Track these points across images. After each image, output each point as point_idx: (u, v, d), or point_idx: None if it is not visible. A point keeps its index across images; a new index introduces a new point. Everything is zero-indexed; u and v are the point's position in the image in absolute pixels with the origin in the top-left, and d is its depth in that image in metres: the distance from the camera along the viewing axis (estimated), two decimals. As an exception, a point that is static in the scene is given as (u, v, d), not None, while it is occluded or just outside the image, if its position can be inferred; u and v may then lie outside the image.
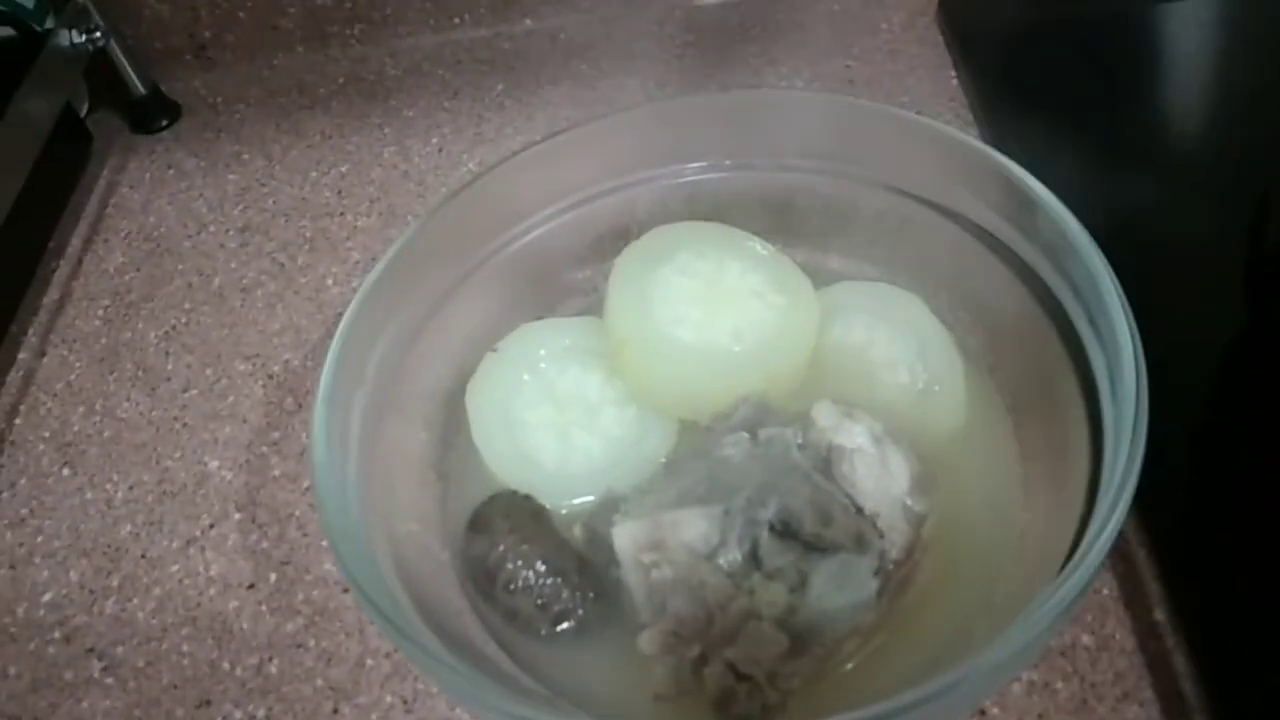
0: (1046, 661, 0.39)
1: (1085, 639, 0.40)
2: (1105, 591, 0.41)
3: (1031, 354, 0.41)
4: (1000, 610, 0.36)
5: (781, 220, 0.48)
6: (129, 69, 0.69)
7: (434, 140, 0.66)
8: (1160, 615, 0.40)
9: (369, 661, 0.44)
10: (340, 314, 0.56)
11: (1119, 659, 0.39)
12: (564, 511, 0.42)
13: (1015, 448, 0.42)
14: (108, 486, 0.52)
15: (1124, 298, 0.35)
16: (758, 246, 0.45)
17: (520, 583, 0.38)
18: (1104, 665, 0.39)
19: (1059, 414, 0.39)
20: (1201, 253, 0.50)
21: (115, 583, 0.48)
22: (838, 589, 0.35)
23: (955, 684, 0.29)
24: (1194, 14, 0.64)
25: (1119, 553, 0.41)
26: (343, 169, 0.66)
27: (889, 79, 0.65)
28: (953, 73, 0.64)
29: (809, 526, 0.35)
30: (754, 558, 0.35)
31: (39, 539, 0.50)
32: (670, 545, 0.35)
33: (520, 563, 0.38)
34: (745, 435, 0.39)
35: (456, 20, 0.72)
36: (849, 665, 0.36)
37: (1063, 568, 0.32)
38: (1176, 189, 0.54)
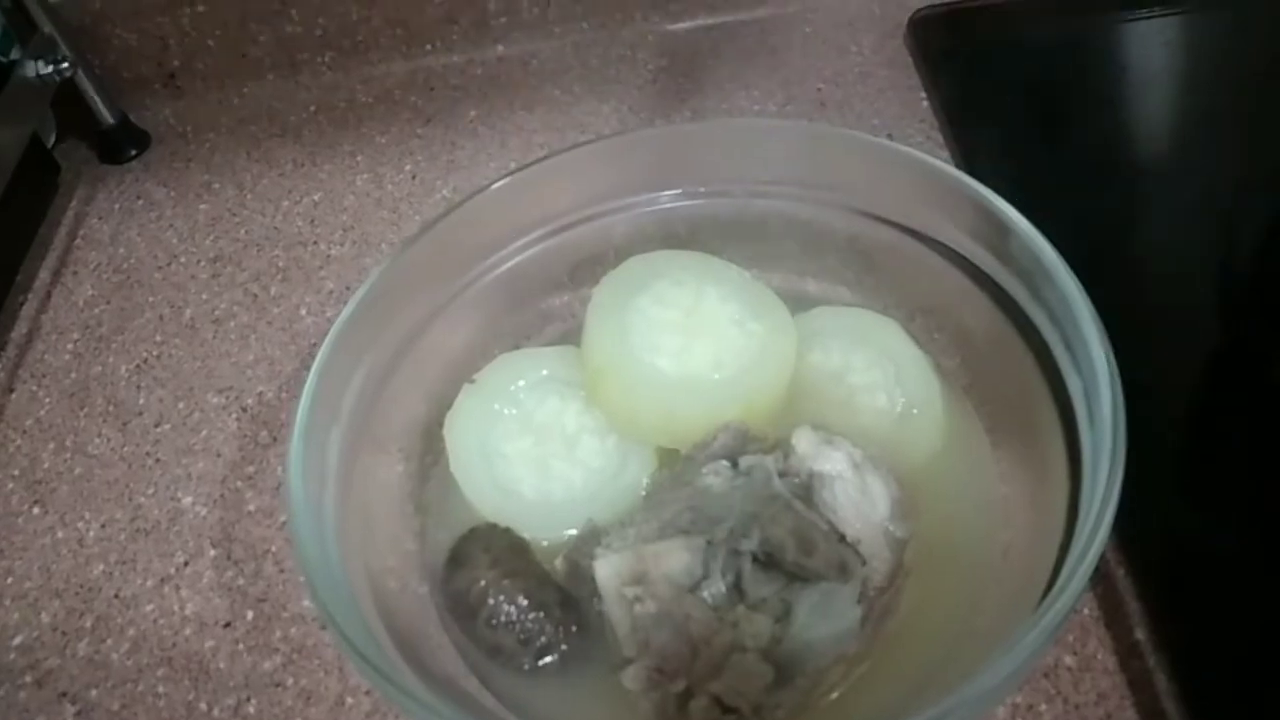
0: (1030, 684, 0.39)
1: (1067, 659, 0.40)
2: (1086, 611, 0.41)
3: (1008, 377, 0.41)
4: (984, 635, 0.36)
5: (757, 247, 0.48)
6: (97, 99, 0.68)
7: (407, 167, 0.66)
8: (1140, 634, 0.40)
9: (349, 700, 0.43)
10: (314, 344, 0.57)
11: (1101, 679, 0.39)
12: (545, 544, 0.42)
13: (994, 470, 0.42)
14: (79, 525, 0.51)
15: (1099, 323, 0.35)
16: (734, 274, 0.46)
17: (502, 617, 0.38)
18: (1086, 686, 0.39)
19: (1037, 437, 0.39)
20: (1173, 269, 0.50)
21: (88, 624, 0.47)
22: (822, 618, 0.35)
23: (942, 715, 0.29)
24: (1159, 34, 0.65)
25: (1098, 572, 0.41)
26: (315, 197, 0.65)
27: (860, 101, 0.65)
28: (922, 94, 0.65)
29: (791, 556, 0.35)
30: (737, 589, 0.34)
31: (9, 580, 0.49)
32: (653, 578, 0.34)
33: (502, 597, 0.38)
34: (726, 464, 0.39)
35: (428, 47, 0.72)
36: (834, 695, 0.36)
37: (1046, 590, 0.33)
38: (1145, 206, 0.55)
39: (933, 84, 0.65)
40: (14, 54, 0.65)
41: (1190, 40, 0.64)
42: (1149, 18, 0.65)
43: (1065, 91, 0.62)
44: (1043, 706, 0.39)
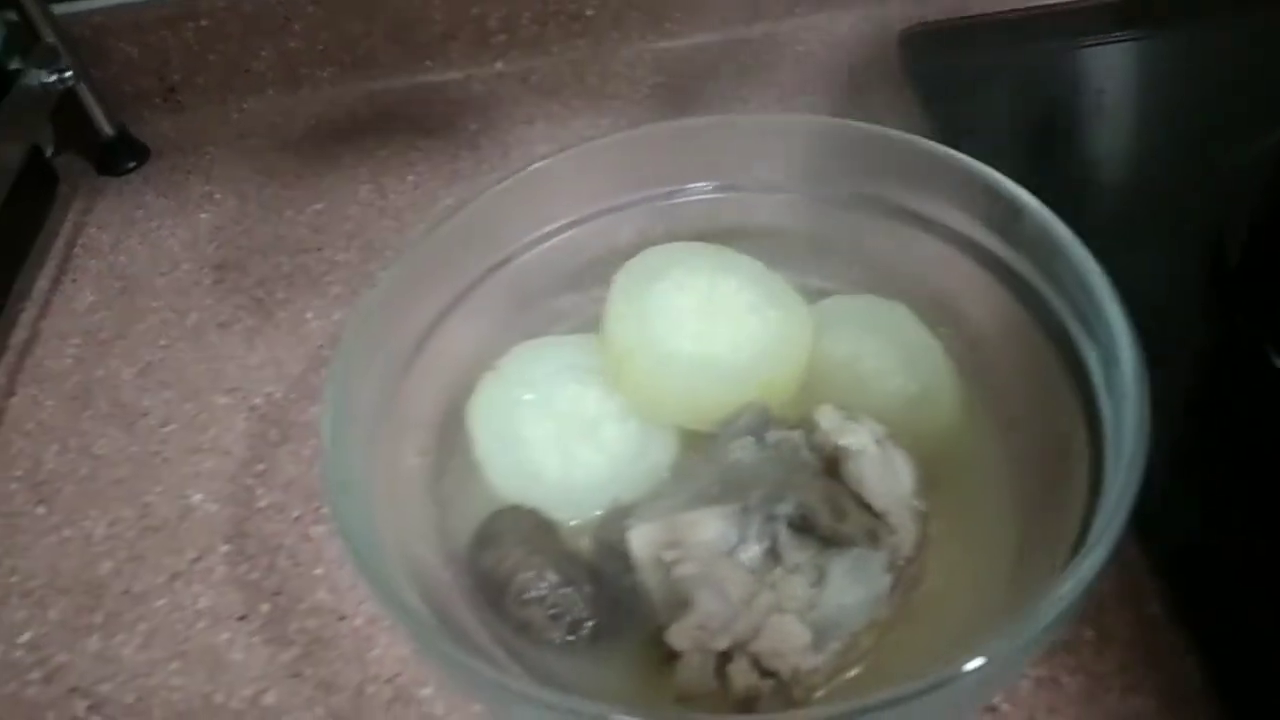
0: (1051, 657, 0.40)
1: (1088, 633, 0.41)
2: (1103, 587, 0.42)
3: (1021, 356, 0.42)
4: (1008, 606, 0.37)
5: (765, 240, 0.49)
6: (97, 110, 0.68)
7: (410, 178, 0.67)
8: (1157, 609, 0.41)
9: (369, 689, 0.43)
10: (322, 347, 0.57)
11: (1122, 651, 0.40)
12: (570, 525, 0.42)
13: (1008, 449, 0.43)
14: (85, 523, 0.50)
15: (1114, 291, 0.36)
16: (747, 263, 0.46)
17: (532, 593, 0.38)
18: (1108, 658, 0.40)
19: (1054, 412, 0.40)
20: (1169, 279, 0.52)
21: (98, 619, 0.46)
22: (854, 583, 0.35)
23: (959, 675, 0.29)
24: (1154, 50, 0.67)
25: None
26: (318, 207, 0.66)
27: (852, 116, 0.66)
28: (915, 110, 0.67)
29: (825, 521, 0.35)
30: (773, 553, 0.35)
31: (14, 578, 0.48)
32: (689, 544, 0.35)
33: (531, 573, 0.38)
34: (751, 439, 0.39)
35: (428, 63, 0.73)
36: (863, 664, 0.37)
37: (1068, 561, 0.33)
38: (1138, 221, 0.57)
39: (923, 100, 0.67)
40: (15, 64, 0.65)
41: (1179, 59, 0.67)
42: (1141, 38, 0.67)
43: (1056, 107, 0.64)
44: (1065, 678, 0.40)
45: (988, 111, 0.64)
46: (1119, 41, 0.68)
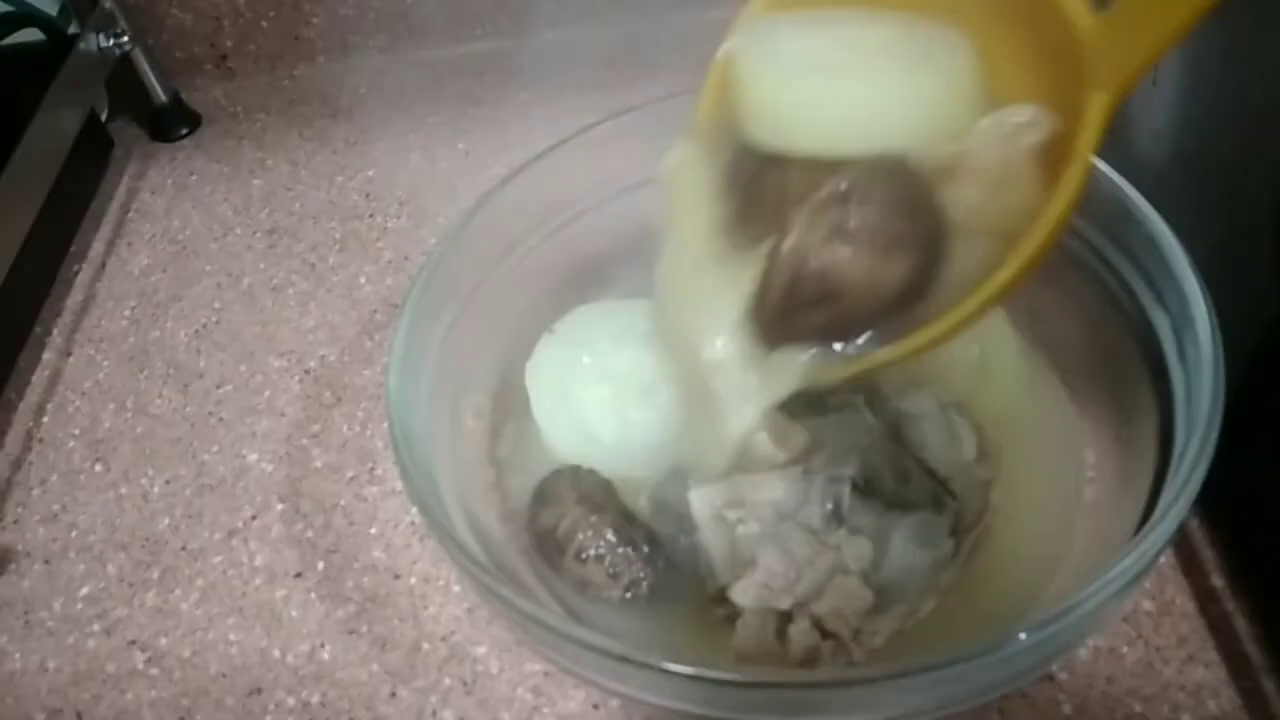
0: (1111, 628, 0.40)
1: (1146, 605, 0.40)
2: (1162, 559, 0.41)
3: (1087, 324, 0.42)
4: (1073, 574, 0.36)
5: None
6: (151, 76, 0.69)
7: (460, 145, 0.67)
8: (1218, 581, 0.40)
9: (425, 645, 0.43)
10: (375, 311, 0.58)
11: (1181, 623, 0.40)
12: (627, 485, 0.42)
13: (1072, 416, 0.42)
14: (143, 481, 0.51)
15: (1188, 255, 0.36)
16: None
17: (592, 551, 0.38)
18: (1167, 630, 0.40)
19: (1121, 381, 0.39)
20: (1233, 249, 0.51)
21: (155, 575, 0.47)
22: (918, 546, 0.35)
23: (1016, 643, 0.29)
24: (1221, 14, 0.65)
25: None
26: (370, 173, 0.66)
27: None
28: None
29: (889, 484, 0.35)
30: (837, 515, 0.35)
31: (73, 534, 0.49)
32: (752, 504, 0.35)
33: (590, 532, 0.38)
34: (813, 405, 0.39)
35: (478, 31, 0.73)
36: (925, 628, 0.36)
37: (1136, 534, 0.33)
38: (1203, 190, 0.55)
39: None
40: (73, 28, 0.65)
41: (1249, 23, 0.65)
42: None
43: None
44: (1125, 649, 0.39)
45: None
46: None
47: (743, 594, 0.34)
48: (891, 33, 0.36)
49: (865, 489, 0.35)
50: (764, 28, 0.39)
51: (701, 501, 0.36)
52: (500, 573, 0.35)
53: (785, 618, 0.34)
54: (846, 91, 0.35)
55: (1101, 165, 0.40)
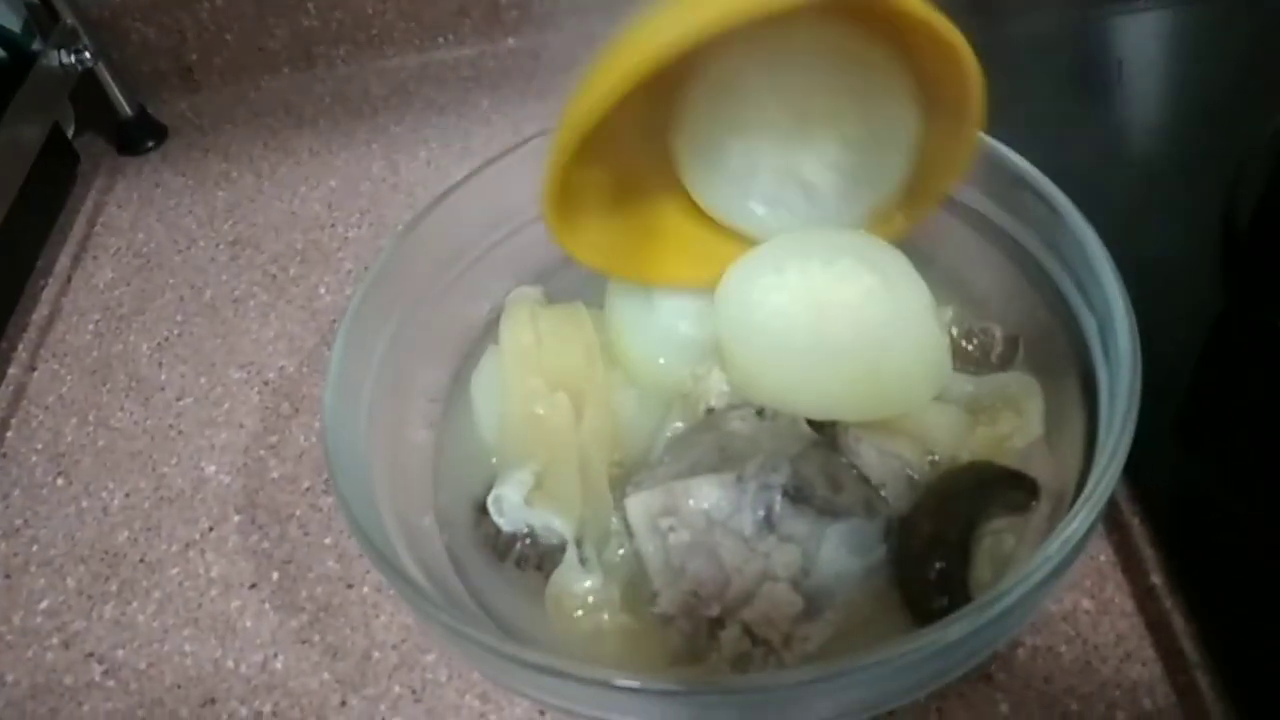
0: (1049, 627, 0.40)
1: (1085, 603, 0.41)
2: (1102, 558, 0.42)
3: (1022, 326, 0.42)
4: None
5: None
6: (116, 90, 0.69)
7: (422, 154, 0.67)
8: (1156, 579, 0.41)
9: (375, 654, 0.43)
10: (335, 321, 0.58)
11: (1119, 621, 0.40)
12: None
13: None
14: (103, 494, 0.52)
15: (1111, 260, 0.36)
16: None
17: (533, 558, 0.38)
18: (1105, 628, 0.40)
19: (1055, 382, 0.40)
20: (1177, 237, 0.51)
21: (114, 588, 0.48)
22: (850, 553, 0.35)
23: (946, 640, 0.29)
24: (1175, 21, 0.66)
25: (1113, 519, 0.42)
26: (332, 183, 0.66)
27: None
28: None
29: (821, 492, 0.35)
30: (768, 522, 0.35)
31: (34, 548, 0.50)
32: (685, 511, 0.35)
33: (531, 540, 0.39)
34: (751, 410, 0.39)
35: (441, 40, 0.74)
36: (859, 632, 0.37)
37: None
38: (1148, 188, 0.56)
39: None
40: (35, 45, 0.66)
41: (1200, 30, 0.66)
42: (1153, 8, 0.67)
43: (1070, 79, 0.63)
44: (1062, 648, 0.40)
45: (1005, 80, 0.64)
46: (1141, 11, 0.67)
47: (669, 603, 0.34)
48: None
49: (797, 496, 0.35)
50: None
51: (637, 509, 0.37)
52: (435, 588, 0.35)
53: (718, 624, 0.35)
54: None
55: (1030, 168, 0.40)
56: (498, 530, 0.39)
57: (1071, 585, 0.41)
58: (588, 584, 0.37)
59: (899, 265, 0.40)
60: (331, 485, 0.36)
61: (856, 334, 0.38)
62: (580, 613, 0.37)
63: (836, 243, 0.41)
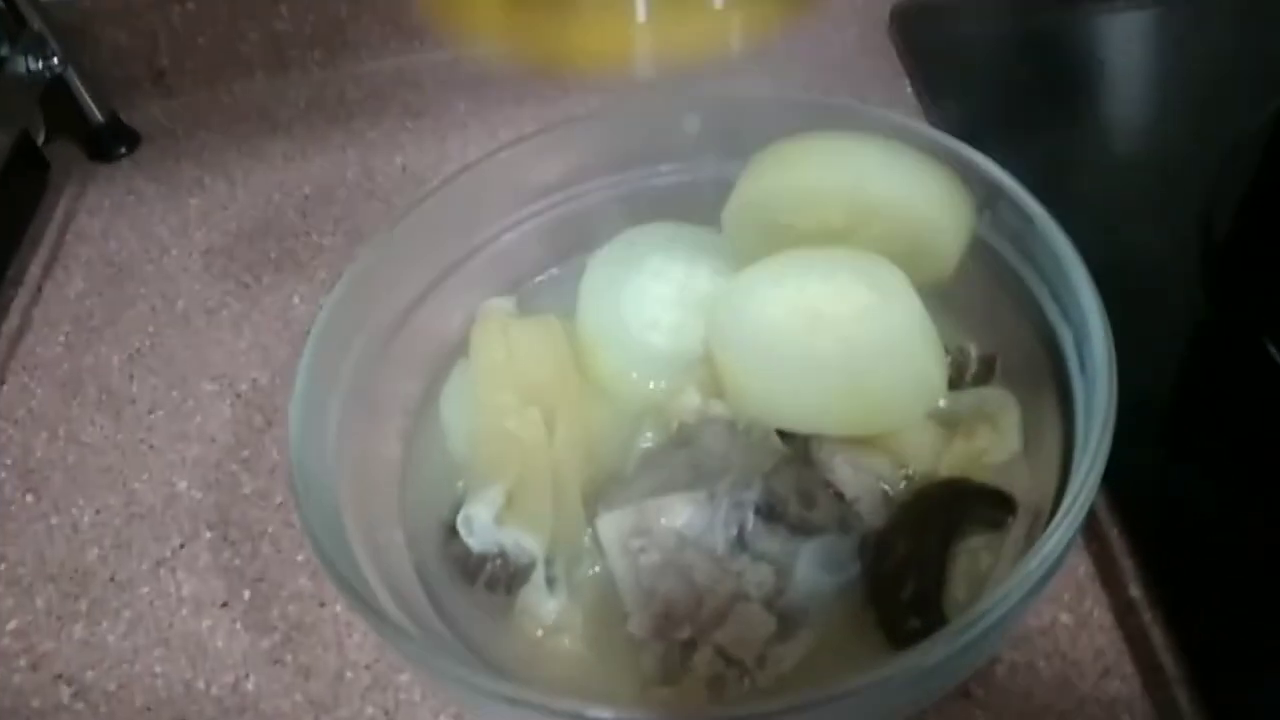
0: (1027, 642, 0.40)
1: (1064, 618, 0.40)
2: (1081, 570, 0.41)
3: (999, 338, 0.42)
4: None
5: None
6: (86, 97, 0.68)
7: (398, 160, 0.66)
8: (1135, 591, 0.40)
9: (348, 674, 0.43)
10: (308, 332, 0.57)
11: (1098, 636, 0.40)
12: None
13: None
14: (73, 511, 0.51)
15: (1087, 272, 0.36)
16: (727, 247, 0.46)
17: (503, 579, 0.38)
18: (1084, 643, 0.40)
19: (1032, 395, 0.39)
20: (1155, 246, 0.51)
21: (83, 607, 0.47)
22: (823, 571, 0.35)
23: (923, 661, 0.29)
24: (1140, 25, 0.66)
25: (1092, 532, 0.42)
26: (306, 191, 0.66)
27: (844, 92, 0.66)
28: (906, 83, 0.66)
29: (793, 509, 0.35)
30: (740, 541, 0.35)
31: (2, 566, 0.49)
32: (656, 530, 0.35)
33: (501, 561, 0.38)
34: (724, 426, 0.39)
35: (416, 43, 0.73)
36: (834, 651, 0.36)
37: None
38: (1127, 192, 0.56)
39: (916, 74, 0.66)
40: (3, 51, 0.65)
41: (1169, 31, 0.66)
42: (1131, 9, 0.66)
43: (1048, 81, 0.63)
44: (1041, 663, 0.39)
45: (981, 85, 0.63)
46: (1122, 11, 0.67)
47: (639, 626, 0.34)
48: None
49: (769, 514, 0.35)
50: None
51: (609, 528, 0.36)
52: (400, 610, 0.35)
53: (690, 645, 0.34)
54: None
55: (1007, 178, 0.40)
56: (468, 551, 0.38)
57: (1050, 598, 0.41)
58: (551, 605, 0.36)
59: (898, 283, 0.39)
60: (295, 507, 0.35)
61: (849, 349, 0.38)
62: (541, 633, 0.36)
63: (838, 258, 0.40)
